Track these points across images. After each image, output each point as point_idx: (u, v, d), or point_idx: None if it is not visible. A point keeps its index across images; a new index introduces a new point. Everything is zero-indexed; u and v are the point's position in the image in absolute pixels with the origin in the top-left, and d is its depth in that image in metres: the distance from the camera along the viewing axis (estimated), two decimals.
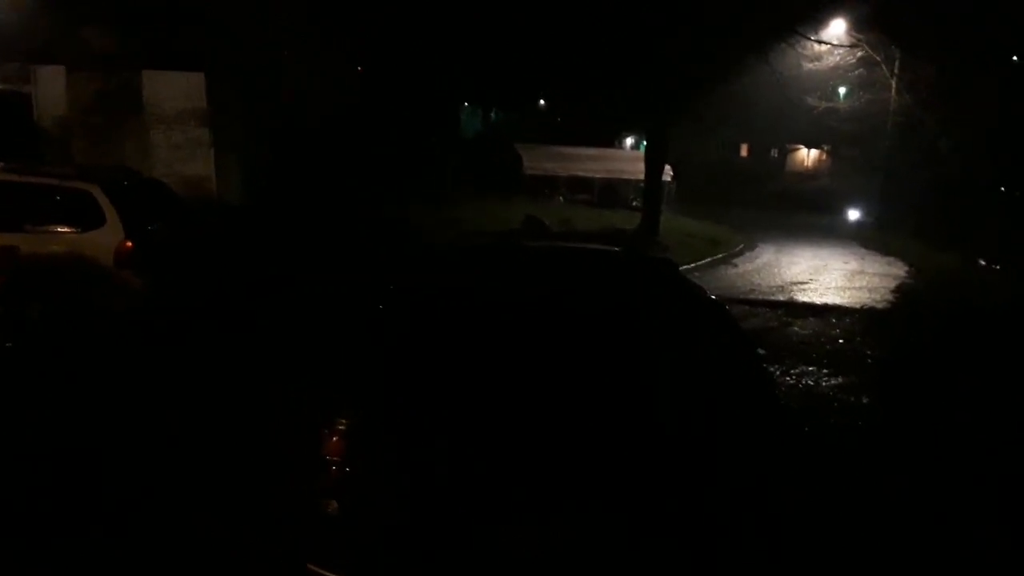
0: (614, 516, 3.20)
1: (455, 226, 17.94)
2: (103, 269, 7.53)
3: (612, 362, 3.66)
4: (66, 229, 7.65)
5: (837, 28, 24.29)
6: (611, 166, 29.89)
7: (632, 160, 28.24)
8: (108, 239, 7.57)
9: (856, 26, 23.77)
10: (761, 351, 9.02)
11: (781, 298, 13.31)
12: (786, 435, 4.40)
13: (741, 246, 19.87)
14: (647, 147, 20.75)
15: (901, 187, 25.24)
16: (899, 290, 14.83)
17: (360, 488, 3.26)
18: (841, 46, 24.14)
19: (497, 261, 4.81)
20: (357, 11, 20.95)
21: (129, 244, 7.59)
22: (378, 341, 3.83)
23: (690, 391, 3.74)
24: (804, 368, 8.70)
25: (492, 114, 39.03)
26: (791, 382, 8.20)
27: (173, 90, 16.61)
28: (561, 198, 28.69)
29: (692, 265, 15.65)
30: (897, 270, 17.59)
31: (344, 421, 3.43)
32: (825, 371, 8.63)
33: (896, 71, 24.40)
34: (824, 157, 41.29)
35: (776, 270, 16.79)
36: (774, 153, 42.34)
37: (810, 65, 24.28)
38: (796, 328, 10.77)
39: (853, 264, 18.21)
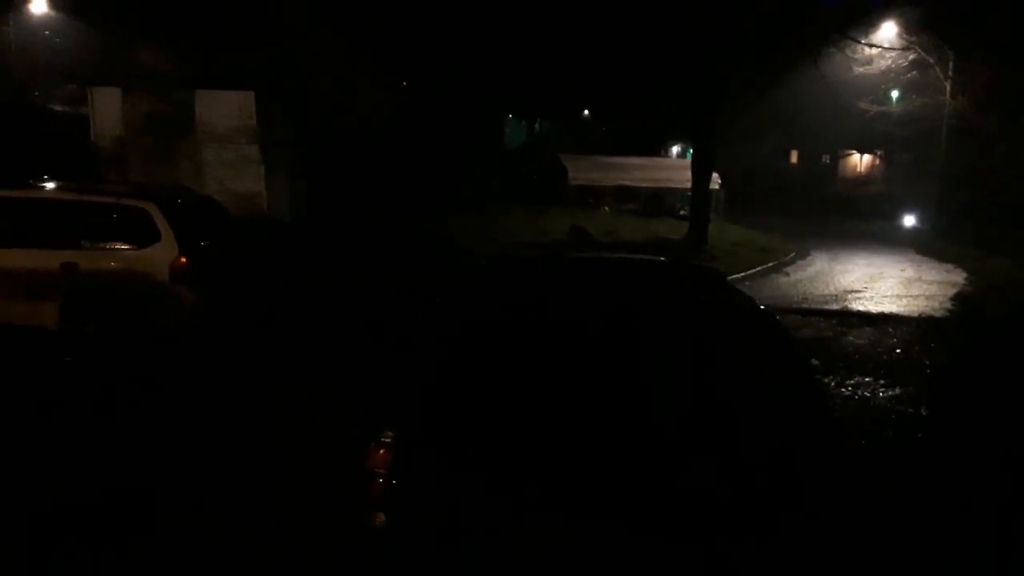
0: (663, 536, 3.15)
1: (499, 237, 17.97)
2: (158, 285, 7.69)
3: (656, 375, 3.60)
4: (123, 246, 7.84)
5: (888, 31, 23.82)
6: (657, 175, 29.66)
7: (679, 168, 27.97)
8: (163, 255, 7.73)
9: (907, 28, 23.29)
10: (815, 362, 8.82)
11: (835, 307, 13.02)
12: (838, 450, 4.27)
13: (793, 254, 19.51)
14: (694, 155, 20.54)
15: (958, 192, 24.57)
16: (958, 298, 14.39)
17: (408, 501, 3.26)
18: (892, 49, 23.66)
19: (541, 275, 4.77)
20: (402, 26, 21.22)
21: (184, 260, 7.74)
22: (427, 355, 3.82)
23: (738, 404, 3.66)
24: (860, 379, 8.48)
25: (536, 125, 39.13)
26: (847, 393, 8.00)
27: (224, 109, 17.00)
28: (607, 208, 28.56)
29: (742, 274, 15.41)
30: (955, 277, 17.08)
31: (391, 434, 3.42)
32: (882, 382, 8.40)
33: (950, 73, 23.80)
34: (877, 162, 40.44)
35: (830, 278, 16.45)
36: (825, 159, 41.61)
37: (861, 69, 23.83)
38: (851, 338, 10.52)
39: (909, 271, 17.75)
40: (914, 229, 26.54)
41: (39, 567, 4.39)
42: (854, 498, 3.68)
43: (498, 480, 3.22)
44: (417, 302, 6.03)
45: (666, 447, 3.36)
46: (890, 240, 24.03)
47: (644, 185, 29.45)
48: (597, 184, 29.30)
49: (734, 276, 14.03)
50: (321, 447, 5.84)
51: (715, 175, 23.16)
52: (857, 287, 15.31)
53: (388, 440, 3.39)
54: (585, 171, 29.00)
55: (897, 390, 8.14)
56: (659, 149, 35.90)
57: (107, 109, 17.05)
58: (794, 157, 41.35)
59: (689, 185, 20.77)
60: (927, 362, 9.49)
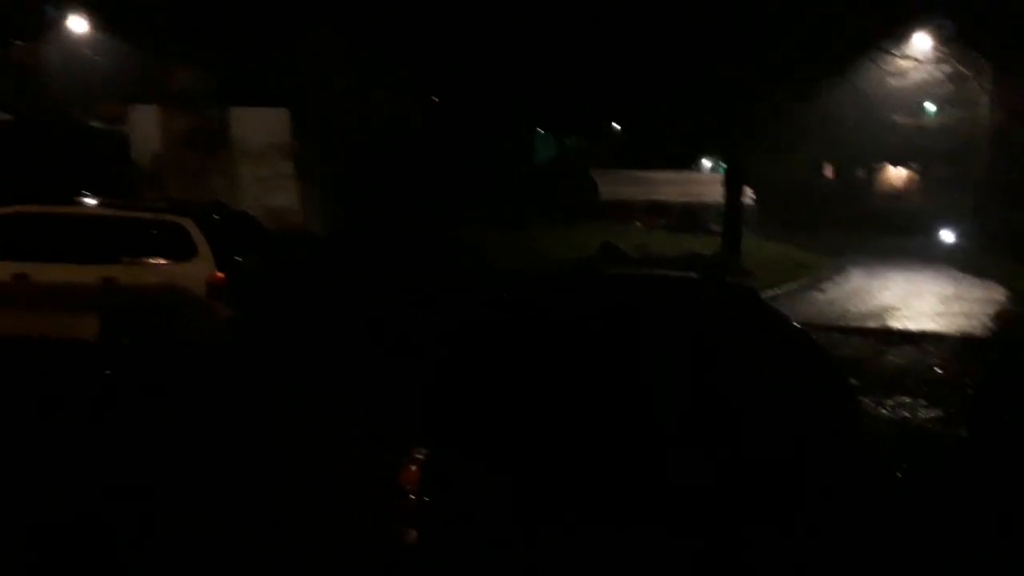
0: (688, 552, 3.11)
1: (530, 253, 17.95)
2: (195, 299, 7.80)
3: (688, 393, 3.57)
4: (160, 261, 7.97)
5: (922, 43, 23.55)
6: (689, 190, 29.51)
7: (711, 183, 27.78)
8: (200, 270, 7.84)
9: (942, 40, 22.99)
10: (854, 381, 8.67)
11: (873, 325, 12.82)
12: (876, 469, 4.20)
13: (829, 270, 19.25)
14: (726, 169, 20.40)
15: (998, 207, 24.09)
16: (999, 316, 14.06)
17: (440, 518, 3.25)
18: (927, 62, 23.37)
19: (573, 292, 4.75)
20: (433, 42, 21.40)
21: (220, 275, 7.85)
22: (459, 373, 3.82)
23: (775, 422, 3.61)
24: (899, 399, 8.32)
25: (566, 139, 39.15)
26: (886, 413, 7.85)
27: (259, 126, 17.25)
28: (638, 223, 28.44)
29: (777, 291, 15.21)
30: (996, 295, 16.71)
31: (423, 451, 3.42)
32: (922, 402, 8.24)
33: (988, 86, 23.42)
34: (914, 176, 39.86)
35: (867, 295, 16.20)
36: (860, 173, 41.07)
37: (895, 82, 23.56)
38: (890, 357, 10.34)
39: (949, 289, 17.41)
40: (952, 245, 26.05)
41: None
42: (889, 517, 3.61)
43: (530, 499, 3.20)
44: (450, 319, 6.03)
45: (699, 463, 3.33)
46: (928, 256, 23.61)
47: (675, 200, 29.31)
48: (628, 199, 29.21)
49: (768, 293, 13.86)
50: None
51: (748, 189, 22.98)
52: (895, 304, 15.06)
53: (421, 457, 3.39)
54: (615, 186, 28.96)
55: (938, 410, 7.98)
56: (690, 163, 35.70)
57: (145, 126, 17.39)
58: (829, 171, 40.87)
59: (721, 200, 20.61)
60: (967, 381, 9.28)
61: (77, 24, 23.70)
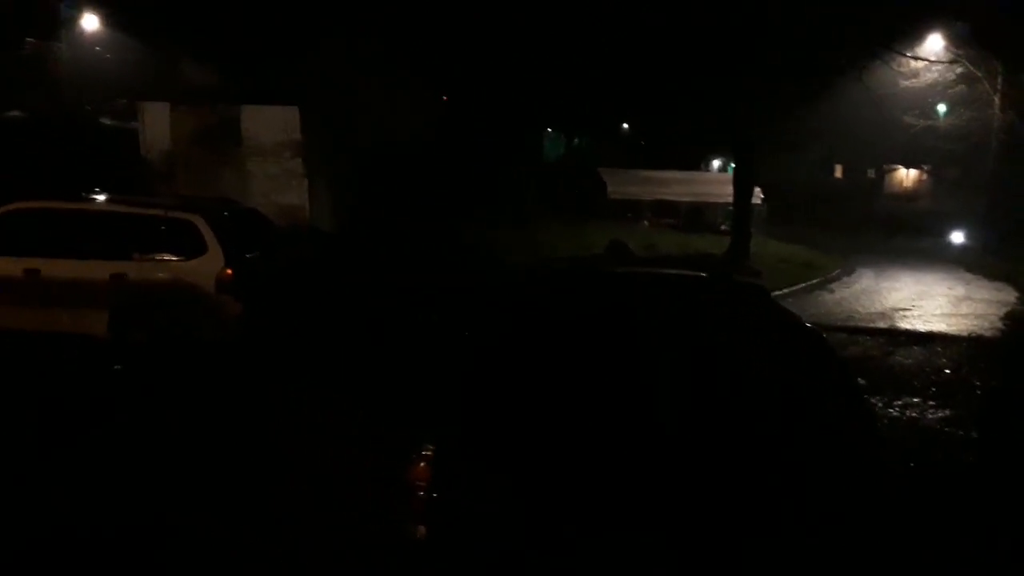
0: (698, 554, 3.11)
1: (537, 250, 17.96)
2: (204, 296, 7.84)
3: (697, 390, 3.56)
4: (170, 257, 8.00)
5: (934, 44, 23.42)
6: (697, 189, 29.45)
7: (719, 183, 27.73)
8: (210, 267, 7.88)
9: (954, 42, 22.86)
10: (862, 381, 8.65)
11: (882, 325, 12.77)
12: (884, 470, 4.19)
13: (838, 271, 19.18)
14: (736, 169, 20.35)
15: (1008, 209, 23.95)
16: (1009, 317, 14.00)
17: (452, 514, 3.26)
18: (939, 62, 23.24)
19: (582, 289, 4.75)
20: (441, 41, 21.42)
21: (229, 271, 7.88)
22: (467, 368, 3.83)
23: (786, 422, 3.60)
24: (908, 399, 8.29)
25: (575, 139, 39.13)
26: (894, 414, 7.82)
27: (269, 124, 17.30)
28: (646, 222, 28.42)
29: (785, 291, 15.18)
30: (1006, 296, 16.62)
31: (431, 447, 3.43)
32: (930, 403, 8.21)
33: (1000, 87, 23.29)
34: (924, 177, 39.68)
35: (876, 296, 16.14)
36: (870, 173, 40.90)
37: (906, 82, 23.46)
38: (899, 357, 10.30)
39: (958, 290, 17.33)
40: (962, 246, 25.92)
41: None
42: (897, 518, 3.60)
43: (540, 494, 3.21)
44: (456, 315, 6.04)
45: (705, 461, 3.33)
46: (938, 257, 23.51)
47: (684, 199, 29.26)
48: (636, 198, 29.19)
49: (777, 292, 13.82)
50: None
51: (757, 189, 22.93)
52: (904, 305, 15.00)
53: (429, 453, 3.40)
54: (624, 185, 28.91)
55: (946, 411, 7.95)
56: (699, 163, 35.64)
57: (156, 123, 17.45)
58: (838, 171, 40.74)
59: (730, 199, 20.58)
60: (977, 383, 9.25)
61: (90, 22, 23.83)
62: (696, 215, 28.76)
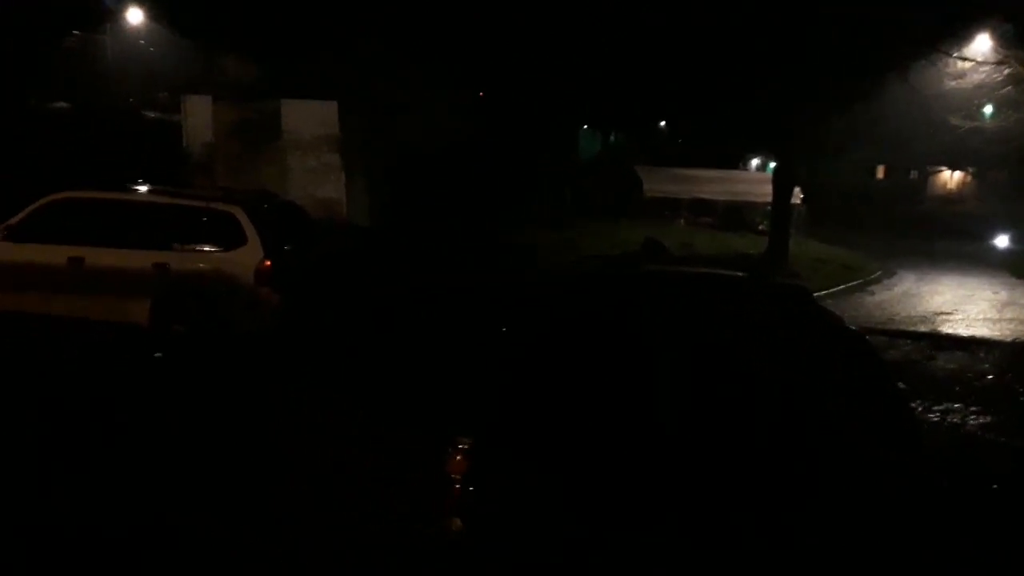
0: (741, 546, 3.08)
1: (573, 248, 17.92)
2: (243, 287, 7.93)
3: (737, 390, 3.52)
4: (210, 248, 8.11)
5: (982, 44, 22.87)
6: (735, 188, 29.11)
7: (758, 182, 27.39)
8: (249, 258, 7.97)
9: (1003, 42, 22.30)
10: (902, 385, 8.49)
11: (923, 329, 12.54)
12: (926, 474, 4.11)
13: (878, 273, 18.87)
14: (775, 168, 20.09)
15: None
16: None
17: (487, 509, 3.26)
18: (986, 63, 22.69)
19: (620, 287, 4.72)
20: (479, 38, 21.43)
21: (268, 263, 7.97)
22: (505, 363, 3.83)
23: (827, 425, 3.55)
24: (949, 405, 8.13)
25: (611, 136, 38.92)
26: (935, 419, 7.68)
27: (309, 118, 17.45)
28: (682, 221, 28.17)
29: (824, 292, 14.97)
30: None
31: (469, 441, 3.43)
32: (972, 409, 8.04)
33: None
34: (968, 180, 38.87)
35: (917, 299, 15.86)
36: (914, 175, 40.17)
37: (952, 83, 22.93)
38: (940, 362, 10.10)
39: (1003, 294, 16.95)
40: (1008, 250, 25.33)
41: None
42: (939, 523, 3.53)
43: (576, 487, 3.19)
44: (494, 310, 6.04)
45: (747, 465, 3.29)
46: (982, 261, 23.00)
47: (721, 198, 28.94)
48: (672, 196, 28.92)
49: (816, 294, 13.59)
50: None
51: (796, 189, 22.60)
52: (946, 309, 14.71)
53: (466, 446, 3.40)
54: (660, 183, 28.68)
55: (988, 418, 7.78)
56: (737, 162, 35.25)
57: (198, 116, 17.69)
58: (880, 172, 40.07)
59: (769, 199, 20.31)
60: (1021, 389, 9.03)
61: (134, 15, 24.23)
62: (734, 214, 28.43)
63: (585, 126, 35.98)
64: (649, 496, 3.14)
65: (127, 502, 5.00)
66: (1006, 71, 22.65)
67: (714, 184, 28.98)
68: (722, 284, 5.03)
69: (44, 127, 16.48)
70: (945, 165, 38.77)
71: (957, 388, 8.82)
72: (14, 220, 8.25)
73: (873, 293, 16.57)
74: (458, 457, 3.35)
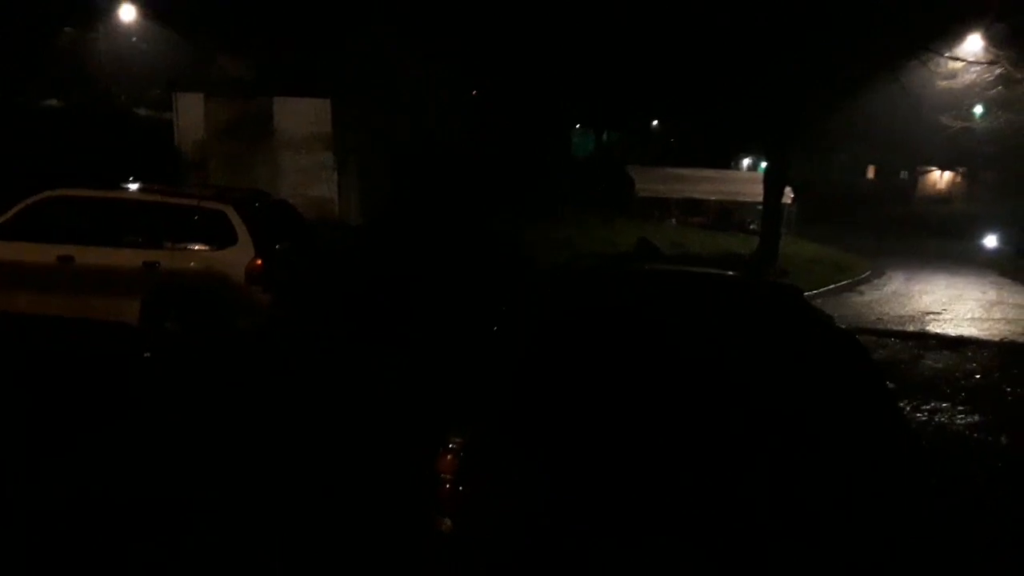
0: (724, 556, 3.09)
1: (565, 247, 17.93)
2: (234, 285, 7.92)
3: (735, 393, 3.54)
4: (201, 247, 8.09)
5: (973, 44, 22.97)
6: (727, 188, 29.19)
7: (749, 182, 27.48)
8: (240, 257, 7.95)
9: (994, 42, 22.39)
10: (890, 385, 8.55)
11: (912, 329, 12.61)
12: (919, 474, 4.13)
13: (868, 272, 18.96)
14: (766, 168, 20.16)
15: None
16: None
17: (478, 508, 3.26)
18: (977, 63, 22.79)
19: (612, 286, 4.73)
20: (474, 36, 21.43)
21: (259, 262, 7.96)
22: (497, 361, 3.83)
23: (817, 425, 3.57)
24: (936, 404, 8.19)
25: (604, 136, 38.99)
26: (923, 419, 7.73)
27: (301, 116, 17.38)
28: (674, 220, 28.24)
29: (814, 292, 15.03)
30: None
31: (459, 440, 3.43)
32: (960, 408, 8.10)
33: None
34: (958, 180, 39.07)
35: (906, 299, 15.94)
36: (903, 175, 40.36)
37: (943, 83, 23.01)
38: (928, 361, 10.17)
39: (991, 294, 17.06)
40: (997, 250, 25.49)
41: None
42: (933, 525, 3.56)
43: (566, 486, 3.21)
44: (485, 308, 6.05)
45: (738, 466, 3.30)
46: (971, 261, 23.14)
47: (713, 198, 29.02)
48: (664, 196, 28.99)
49: (806, 294, 13.68)
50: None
51: (787, 189, 22.67)
52: (935, 309, 14.79)
53: (456, 445, 3.40)
54: (652, 183, 28.74)
55: (976, 417, 7.84)
56: (729, 162, 35.35)
57: (190, 114, 17.61)
58: (871, 172, 40.25)
59: (759, 199, 20.39)
60: (1008, 389, 9.10)
61: (126, 13, 24.15)
62: (725, 214, 28.52)
63: (578, 125, 36.02)
64: (639, 496, 3.16)
65: (112, 506, 4.98)
66: (997, 71, 22.75)
67: (706, 184, 29.04)
68: (713, 283, 5.05)
69: (34, 125, 16.41)
70: (935, 165, 38.98)
71: (945, 388, 8.88)
72: (2, 218, 8.19)
73: (862, 293, 16.65)
74: (448, 456, 3.36)
